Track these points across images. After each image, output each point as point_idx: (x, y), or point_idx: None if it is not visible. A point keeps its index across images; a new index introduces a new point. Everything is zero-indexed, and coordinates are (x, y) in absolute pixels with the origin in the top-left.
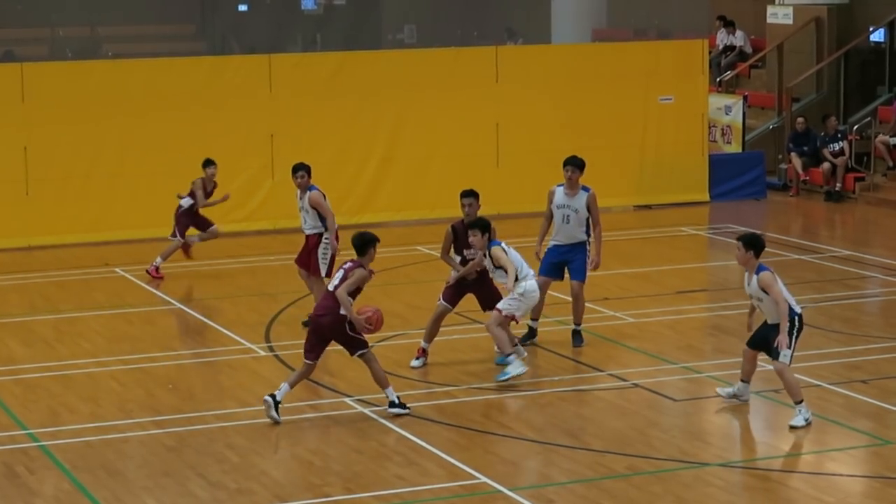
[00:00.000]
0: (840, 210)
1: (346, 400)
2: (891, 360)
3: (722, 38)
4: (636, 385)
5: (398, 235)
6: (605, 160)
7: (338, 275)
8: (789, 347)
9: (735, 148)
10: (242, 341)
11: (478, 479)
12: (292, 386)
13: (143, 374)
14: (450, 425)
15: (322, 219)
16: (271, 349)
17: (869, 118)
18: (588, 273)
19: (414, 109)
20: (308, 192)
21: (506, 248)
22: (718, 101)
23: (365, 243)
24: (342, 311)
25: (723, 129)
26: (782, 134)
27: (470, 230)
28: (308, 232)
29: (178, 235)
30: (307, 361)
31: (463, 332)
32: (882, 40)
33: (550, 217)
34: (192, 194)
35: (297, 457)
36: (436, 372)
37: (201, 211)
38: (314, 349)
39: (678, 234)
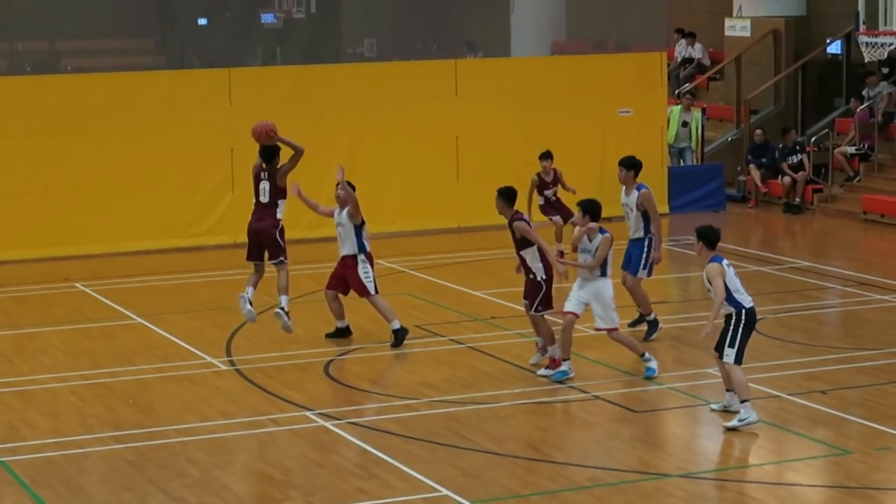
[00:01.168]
0: (799, 221)
1: (307, 413)
2: (850, 370)
3: (680, 50)
4: (597, 397)
5: None
6: (565, 173)
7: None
8: (732, 345)
9: (693, 160)
10: (203, 355)
11: (440, 491)
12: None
13: (103, 389)
14: (411, 438)
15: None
16: (232, 363)
17: (826, 130)
18: (652, 269)
19: (374, 123)
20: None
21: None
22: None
23: (273, 153)
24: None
25: None
26: (741, 146)
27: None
28: (347, 253)
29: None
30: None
31: (423, 346)
32: (839, 52)
33: None
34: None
35: (257, 471)
36: (396, 385)
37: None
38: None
39: None
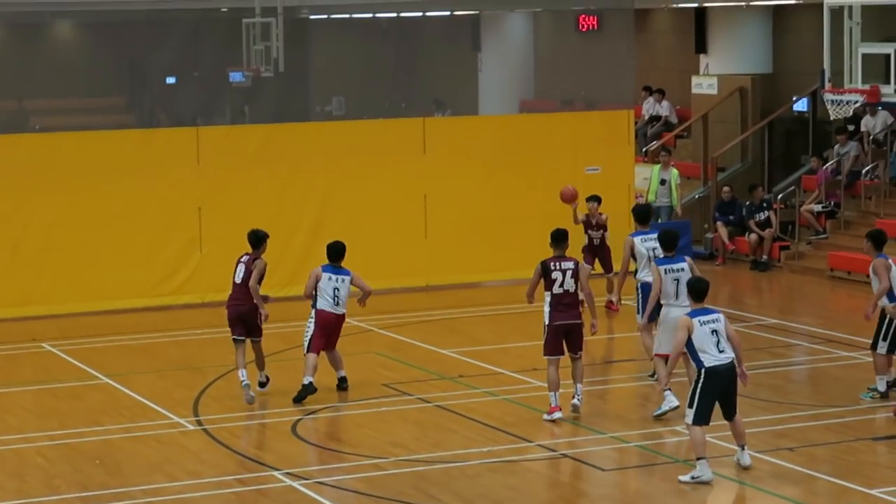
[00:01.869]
0: (766, 278)
1: (275, 473)
2: (817, 427)
3: (648, 108)
4: (565, 455)
5: None
6: (534, 231)
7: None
8: (690, 405)
9: (661, 218)
10: (170, 415)
11: None
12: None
13: (70, 450)
14: (379, 498)
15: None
16: (199, 423)
17: (793, 187)
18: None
19: (342, 181)
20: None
21: None
22: (644, 170)
23: (259, 239)
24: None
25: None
26: (708, 203)
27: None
28: (343, 311)
29: None
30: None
31: (391, 405)
32: (805, 109)
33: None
34: None
35: None
36: (364, 444)
37: None
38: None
39: (605, 303)
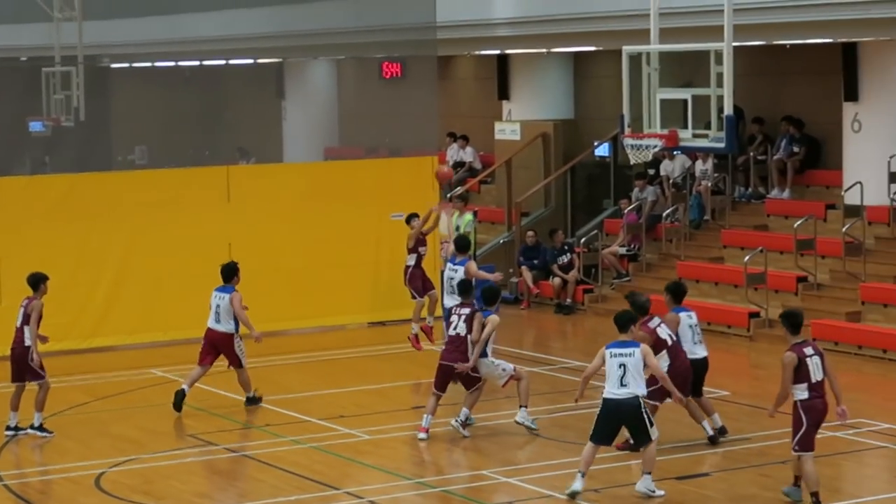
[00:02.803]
0: (570, 322)
1: None
2: (622, 468)
3: (452, 153)
4: (372, 503)
5: (132, 358)
6: (340, 277)
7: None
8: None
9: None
10: None
11: None
12: None
13: None
14: None
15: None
16: (0, 479)
17: (596, 231)
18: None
19: (146, 230)
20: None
21: None
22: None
23: (37, 280)
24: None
25: None
26: (513, 248)
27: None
28: (225, 329)
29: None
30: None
31: (197, 455)
32: (607, 154)
33: None
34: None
35: None
36: (170, 496)
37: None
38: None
39: (413, 350)
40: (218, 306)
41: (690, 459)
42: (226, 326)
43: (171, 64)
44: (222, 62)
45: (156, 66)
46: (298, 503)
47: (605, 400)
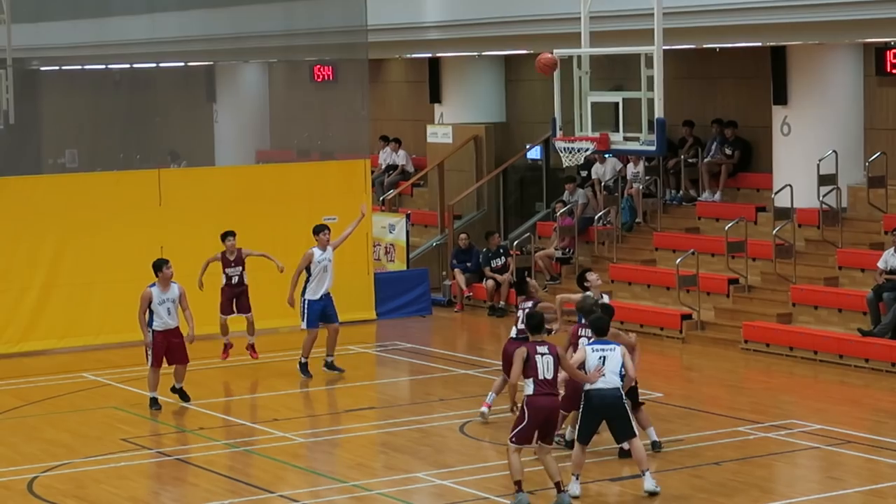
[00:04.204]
0: (504, 324)
1: None
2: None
3: (385, 157)
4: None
5: (62, 363)
6: (273, 283)
7: None
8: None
9: (399, 266)
10: None
11: None
12: None
13: None
14: None
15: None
16: None
17: (528, 234)
18: None
19: (76, 234)
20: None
21: None
22: (382, 219)
23: None
24: None
25: (386, 248)
26: (446, 251)
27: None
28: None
29: None
30: None
31: (130, 459)
32: (539, 157)
33: None
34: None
35: None
36: (102, 500)
37: None
38: None
39: (346, 352)
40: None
41: (624, 461)
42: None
43: (101, 67)
44: (152, 65)
45: (85, 69)
46: None
47: (587, 393)
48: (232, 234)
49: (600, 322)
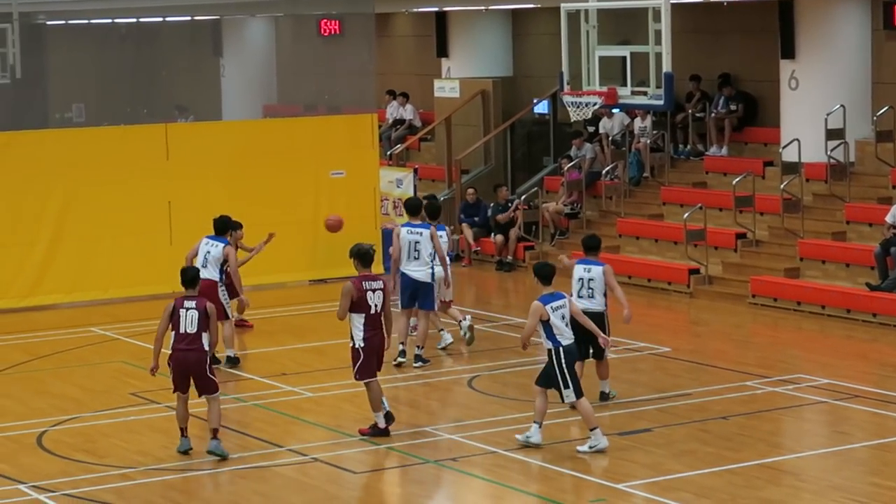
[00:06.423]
0: (511, 279)
1: (20, 487)
2: (563, 424)
3: (392, 111)
4: (316, 459)
5: (70, 317)
6: (280, 235)
7: None
8: (567, 386)
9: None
10: None
11: None
12: None
13: None
14: None
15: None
16: None
17: (536, 188)
18: None
19: (83, 189)
20: None
21: None
22: (390, 174)
23: None
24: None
25: (394, 202)
26: (453, 205)
27: None
28: (209, 276)
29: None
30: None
31: (139, 413)
32: (546, 112)
33: None
34: None
35: None
36: (112, 454)
37: None
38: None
39: None
40: (208, 252)
41: (631, 415)
42: (211, 274)
43: (108, 21)
44: (159, 19)
45: (92, 23)
46: (241, 461)
47: (560, 347)
48: (240, 226)
49: (547, 270)
